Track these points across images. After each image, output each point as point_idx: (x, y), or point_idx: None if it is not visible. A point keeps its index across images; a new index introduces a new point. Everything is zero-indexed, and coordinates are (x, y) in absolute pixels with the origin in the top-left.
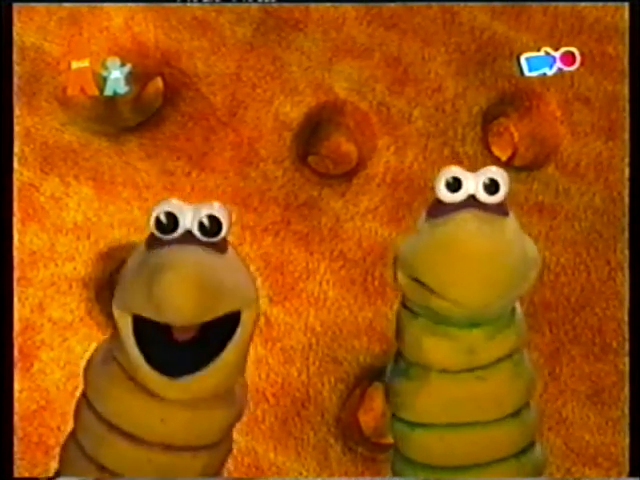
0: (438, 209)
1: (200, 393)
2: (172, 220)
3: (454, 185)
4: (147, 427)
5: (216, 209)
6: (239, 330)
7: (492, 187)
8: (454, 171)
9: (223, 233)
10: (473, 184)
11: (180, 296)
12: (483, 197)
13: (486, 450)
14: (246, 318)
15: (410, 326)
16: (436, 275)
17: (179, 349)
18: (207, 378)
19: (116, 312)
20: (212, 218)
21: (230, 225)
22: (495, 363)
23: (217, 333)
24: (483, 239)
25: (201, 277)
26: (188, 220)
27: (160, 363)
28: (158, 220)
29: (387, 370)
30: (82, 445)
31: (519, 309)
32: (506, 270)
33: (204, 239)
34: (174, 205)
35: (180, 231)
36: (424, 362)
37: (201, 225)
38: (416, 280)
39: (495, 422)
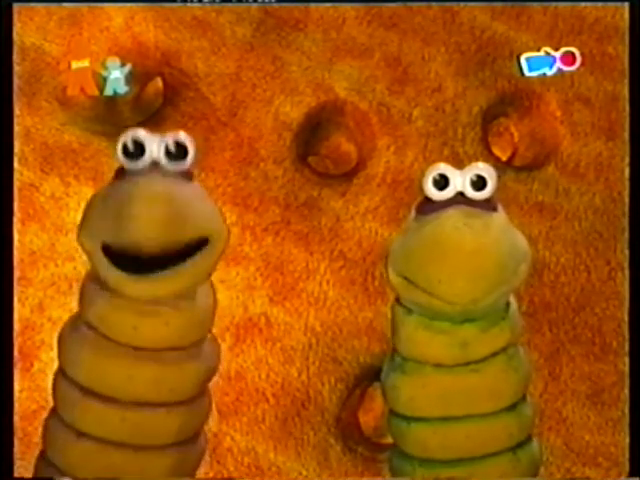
0: (426, 206)
1: (165, 291)
2: (139, 147)
3: (441, 182)
4: (117, 385)
5: (182, 136)
6: (205, 249)
7: (479, 183)
8: (441, 168)
9: (189, 159)
10: (460, 181)
11: (149, 224)
12: (470, 194)
13: (482, 443)
14: (214, 243)
15: (404, 322)
16: (424, 273)
17: (147, 266)
18: (172, 277)
19: (85, 240)
20: (178, 144)
21: (195, 153)
22: (489, 357)
23: (184, 257)
24: (469, 235)
25: (169, 205)
26: (155, 148)
27: (129, 271)
28: (125, 147)
29: (383, 367)
30: (61, 416)
31: (514, 303)
32: (493, 265)
33: (171, 167)
34: (141, 133)
35: (147, 159)
36: (419, 357)
37: (167, 152)
38: (406, 278)
39: (490, 415)
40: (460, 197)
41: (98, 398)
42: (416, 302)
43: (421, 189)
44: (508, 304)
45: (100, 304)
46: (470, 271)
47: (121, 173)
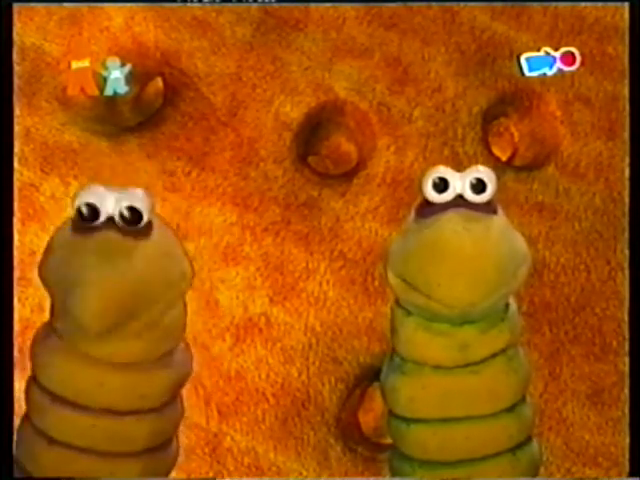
0: (426, 209)
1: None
2: (93, 211)
3: (441, 185)
4: (87, 393)
5: (136, 198)
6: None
7: (479, 186)
8: (441, 171)
9: (144, 221)
10: (460, 184)
11: (98, 314)
12: (470, 197)
13: (481, 444)
14: (177, 290)
15: (404, 323)
16: (423, 276)
17: None
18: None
19: (44, 277)
20: (132, 209)
21: (152, 210)
22: (489, 358)
23: None
24: (468, 239)
25: (119, 292)
26: (110, 208)
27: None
28: (79, 211)
29: (382, 368)
30: (33, 423)
31: (513, 304)
32: (492, 269)
33: (126, 228)
34: (96, 194)
35: (102, 218)
36: (418, 358)
37: (122, 216)
38: (405, 281)
39: (489, 416)
40: (460, 200)
41: (69, 405)
42: (414, 304)
43: (420, 191)
44: (507, 305)
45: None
46: (469, 275)
47: (78, 226)
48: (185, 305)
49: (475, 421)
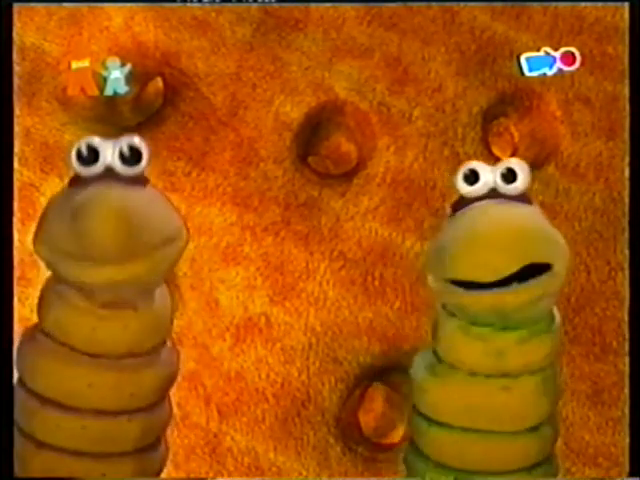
0: (460, 204)
1: (124, 277)
2: (92, 153)
3: (471, 178)
4: (76, 394)
5: (136, 140)
6: (169, 246)
7: (510, 176)
8: (472, 164)
9: (143, 163)
10: (491, 176)
11: (104, 241)
12: (503, 188)
13: (498, 460)
14: (175, 241)
15: (445, 324)
16: (461, 261)
17: None
18: (134, 265)
19: (41, 249)
20: (132, 148)
21: (149, 157)
22: (526, 374)
23: None
24: (504, 214)
25: (123, 220)
26: (108, 153)
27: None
28: (79, 153)
29: (414, 361)
30: (20, 427)
31: (558, 317)
32: (520, 230)
33: (125, 173)
34: (95, 139)
35: (100, 166)
36: (454, 361)
37: (121, 156)
38: (446, 280)
39: (512, 434)
40: (493, 192)
41: (57, 407)
42: (456, 304)
43: (455, 187)
44: (553, 317)
45: (58, 309)
46: (491, 240)
47: (75, 180)
48: (173, 298)
49: (496, 436)
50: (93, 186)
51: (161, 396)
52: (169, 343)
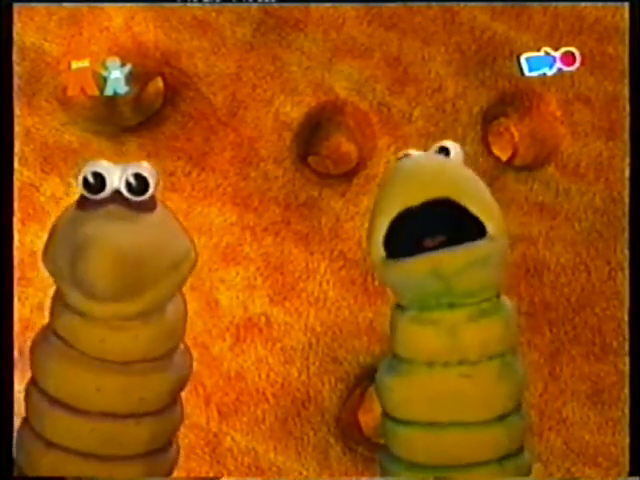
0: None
1: (131, 311)
2: (100, 180)
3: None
4: (85, 397)
5: (143, 168)
6: (173, 273)
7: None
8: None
9: (150, 191)
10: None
11: (101, 280)
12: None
13: (468, 452)
14: (181, 266)
15: (398, 321)
16: (387, 203)
17: None
18: (138, 300)
19: (47, 265)
20: (138, 177)
21: (157, 182)
22: (483, 360)
23: None
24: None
25: (122, 257)
26: (115, 179)
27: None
28: (86, 180)
29: (378, 370)
30: (32, 426)
31: (508, 302)
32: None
33: (132, 198)
34: (102, 166)
35: (108, 191)
36: (412, 355)
37: (128, 184)
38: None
39: (479, 424)
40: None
41: (66, 409)
42: (400, 276)
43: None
44: (499, 298)
45: (68, 317)
46: (420, 172)
47: (83, 203)
48: (185, 304)
49: (464, 427)
50: (97, 216)
51: (172, 399)
52: (182, 346)
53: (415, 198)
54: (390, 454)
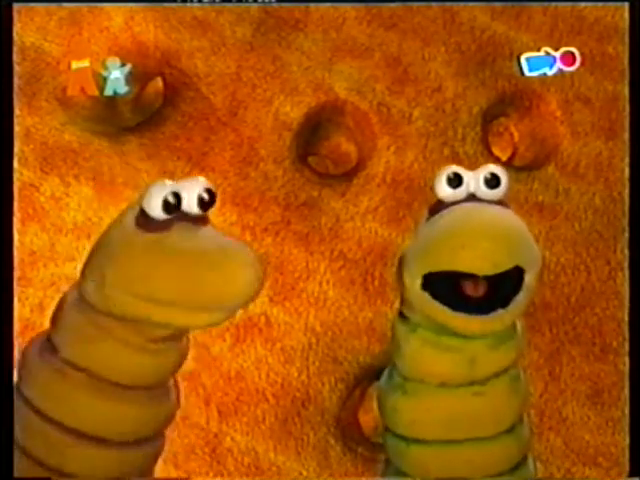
0: (438, 207)
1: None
2: (177, 199)
3: (455, 181)
4: (79, 416)
5: (203, 182)
6: None
7: (493, 181)
8: (454, 168)
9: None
10: (474, 181)
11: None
12: (484, 193)
13: (482, 466)
14: None
15: (409, 340)
16: (446, 248)
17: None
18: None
19: (113, 291)
20: (209, 191)
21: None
22: (493, 377)
23: None
24: (486, 210)
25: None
26: (186, 197)
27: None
28: (166, 203)
29: (380, 384)
30: (17, 439)
31: (520, 324)
32: (513, 231)
33: (198, 214)
34: (171, 186)
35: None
36: (423, 377)
37: (201, 199)
38: (429, 274)
39: (491, 438)
40: (472, 197)
41: (51, 423)
42: (432, 314)
43: (433, 191)
44: (515, 324)
45: (101, 343)
46: (492, 234)
47: (154, 224)
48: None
49: (477, 443)
50: (176, 228)
51: (158, 432)
52: (172, 379)
53: (481, 269)
54: (397, 470)
